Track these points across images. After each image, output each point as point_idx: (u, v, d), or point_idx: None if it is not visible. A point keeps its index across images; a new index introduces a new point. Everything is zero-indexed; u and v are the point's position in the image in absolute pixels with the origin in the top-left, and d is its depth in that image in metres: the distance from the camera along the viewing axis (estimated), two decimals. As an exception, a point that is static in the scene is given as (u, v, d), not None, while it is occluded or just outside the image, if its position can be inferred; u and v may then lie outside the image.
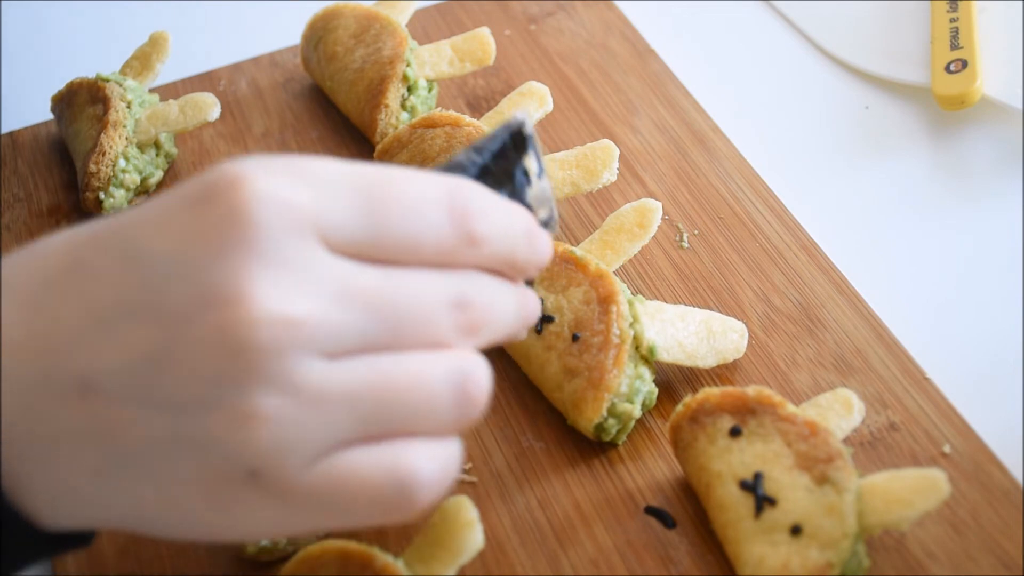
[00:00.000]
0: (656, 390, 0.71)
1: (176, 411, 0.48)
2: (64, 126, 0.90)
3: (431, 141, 0.81)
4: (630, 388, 0.69)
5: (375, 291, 0.49)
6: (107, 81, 0.89)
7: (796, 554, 0.61)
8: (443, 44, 0.87)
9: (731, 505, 0.63)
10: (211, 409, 0.47)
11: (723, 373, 0.73)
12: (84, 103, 0.89)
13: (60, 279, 0.50)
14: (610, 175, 0.79)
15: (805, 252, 0.80)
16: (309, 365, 0.48)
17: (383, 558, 0.61)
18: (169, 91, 0.96)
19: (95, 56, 1.01)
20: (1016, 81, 0.88)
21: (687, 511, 0.68)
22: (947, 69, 0.88)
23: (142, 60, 0.91)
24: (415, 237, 0.50)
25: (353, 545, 0.62)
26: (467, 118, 0.81)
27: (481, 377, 0.51)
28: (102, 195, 0.86)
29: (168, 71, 0.95)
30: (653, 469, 0.70)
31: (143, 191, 0.88)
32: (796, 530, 0.61)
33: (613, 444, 0.71)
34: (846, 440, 0.67)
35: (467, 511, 0.61)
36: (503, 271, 0.53)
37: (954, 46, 0.89)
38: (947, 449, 0.69)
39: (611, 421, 0.69)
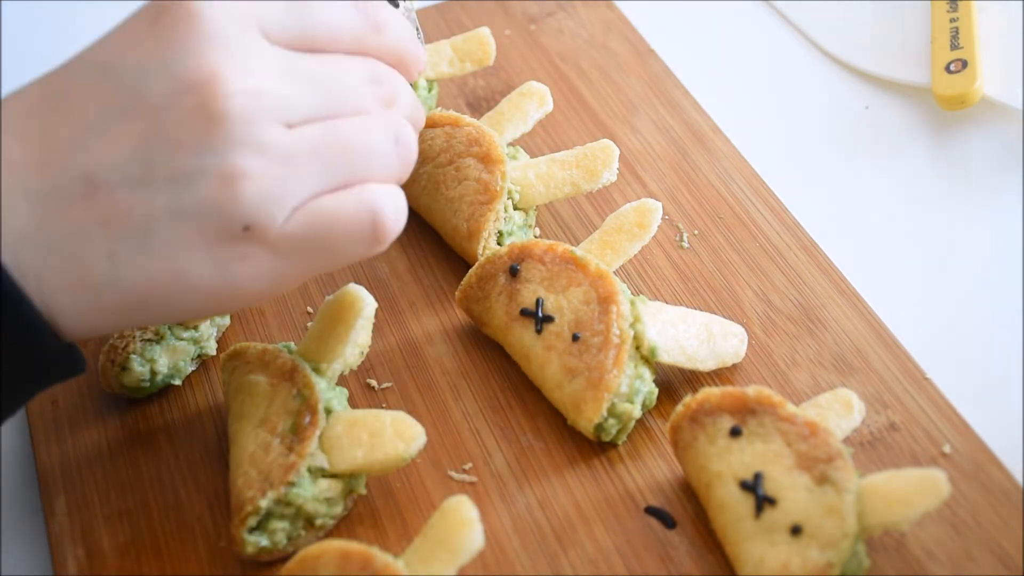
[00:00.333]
0: (656, 390, 0.71)
1: (172, 185, 0.57)
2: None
3: (431, 141, 0.81)
4: (630, 388, 0.69)
5: (314, 71, 0.61)
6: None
7: (796, 554, 0.61)
8: (443, 44, 0.87)
9: (731, 505, 0.63)
10: (202, 176, 0.57)
11: (723, 373, 0.73)
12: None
13: (42, 105, 0.58)
14: (610, 175, 0.79)
15: (805, 252, 0.80)
16: (276, 130, 0.58)
17: (383, 558, 0.61)
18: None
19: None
20: (1016, 81, 0.88)
21: (687, 511, 0.68)
22: (947, 69, 0.88)
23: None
24: (334, 28, 0.62)
25: (353, 545, 0.62)
26: (467, 118, 0.81)
27: (409, 129, 0.64)
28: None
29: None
30: (653, 469, 0.70)
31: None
32: (796, 530, 0.61)
33: (613, 444, 0.71)
34: (846, 440, 0.67)
35: (467, 511, 0.61)
36: (396, 66, 0.66)
37: (954, 46, 0.89)
38: (947, 449, 0.69)
39: (611, 421, 0.69)
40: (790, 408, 0.65)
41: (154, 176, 0.57)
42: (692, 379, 0.74)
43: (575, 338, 0.70)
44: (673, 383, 0.74)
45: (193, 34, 0.57)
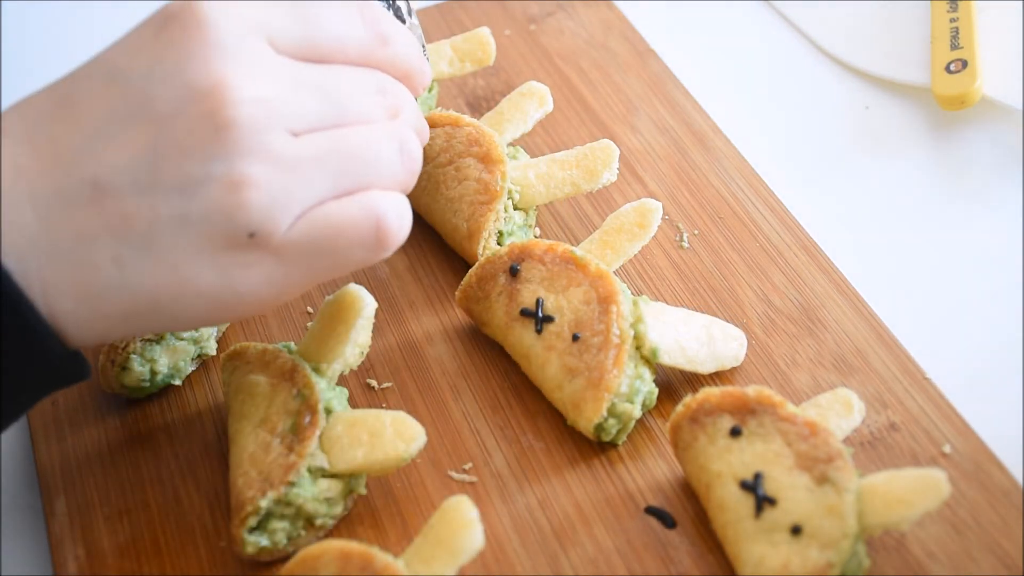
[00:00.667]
0: (656, 390, 0.71)
1: (178, 192, 0.57)
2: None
3: (431, 141, 0.81)
4: (630, 388, 0.69)
5: (320, 80, 0.61)
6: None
7: (796, 554, 0.61)
8: (443, 44, 0.87)
9: (731, 505, 0.63)
10: (208, 183, 0.57)
11: (723, 373, 0.73)
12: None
13: (50, 111, 0.59)
14: (610, 175, 0.79)
15: (805, 252, 0.80)
16: (282, 138, 0.58)
17: (383, 558, 0.61)
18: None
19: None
20: (1016, 81, 0.88)
21: (687, 511, 0.68)
22: (947, 69, 0.88)
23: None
24: (341, 39, 0.63)
25: (353, 545, 0.62)
26: (467, 118, 0.81)
27: (415, 139, 0.64)
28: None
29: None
30: (653, 469, 0.70)
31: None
32: (796, 530, 0.61)
33: (613, 444, 0.71)
34: (846, 440, 0.67)
35: (467, 511, 0.61)
36: (402, 79, 0.66)
37: (954, 46, 0.89)
38: (947, 449, 0.69)
39: (611, 421, 0.69)
40: (790, 408, 0.65)
41: (161, 183, 0.57)
42: (692, 379, 0.74)
43: (575, 338, 0.70)
44: (673, 383, 0.74)
45: (201, 42, 0.58)
